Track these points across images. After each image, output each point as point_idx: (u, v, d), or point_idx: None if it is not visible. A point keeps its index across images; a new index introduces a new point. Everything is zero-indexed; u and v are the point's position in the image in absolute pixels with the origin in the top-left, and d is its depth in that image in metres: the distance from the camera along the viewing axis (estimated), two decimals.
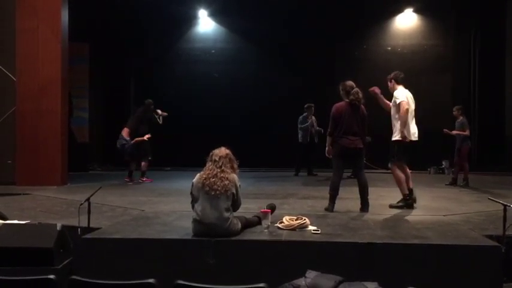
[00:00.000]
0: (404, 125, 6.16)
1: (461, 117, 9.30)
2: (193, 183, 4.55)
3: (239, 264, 4.22)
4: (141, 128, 9.41)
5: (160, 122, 9.75)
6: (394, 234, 4.68)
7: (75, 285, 2.74)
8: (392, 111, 6.34)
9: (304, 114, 11.10)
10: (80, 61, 12.04)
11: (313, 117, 11.05)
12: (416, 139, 6.37)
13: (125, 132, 9.35)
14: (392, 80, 6.46)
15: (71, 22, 9.38)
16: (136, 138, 9.24)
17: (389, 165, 6.39)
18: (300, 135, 11.11)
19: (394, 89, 6.41)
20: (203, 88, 13.15)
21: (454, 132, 9.29)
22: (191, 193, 4.56)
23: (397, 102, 6.22)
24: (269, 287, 2.59)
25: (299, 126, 11.13)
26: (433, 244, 4.32)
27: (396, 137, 6.28)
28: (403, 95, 6.24)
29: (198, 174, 4.56)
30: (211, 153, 4.60)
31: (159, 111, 9.79)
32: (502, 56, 12.71)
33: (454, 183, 9.33)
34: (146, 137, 9.23)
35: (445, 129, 9.41)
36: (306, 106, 11.07)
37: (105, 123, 13.53)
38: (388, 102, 6.44)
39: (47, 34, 8.95)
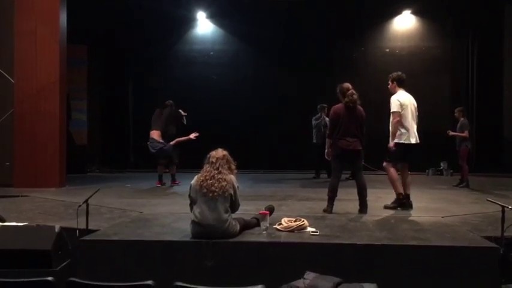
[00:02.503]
0: (394, 134, 6.21)
1: (462, 119, 9.32)
2: (191, 185, 4.56)
3: (238, 266, 4.22)
4: (170, 129, 9.31)
5: (185, 123, 9.61)
6: (392, 236, 4.68)
7: (74, 287, 2.74)
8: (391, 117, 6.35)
9: (318, 115, 11.00)
10: (78, 63, 12.04)
11: (326, 118, 10.90)
12: (417, 142, 6.36)
13: (155, 134, 9.05)
14: (394, 82, 6.43)
15: (69, 25, 9.38)
16: (179, 139, 9.02)
17: (384, 164, 6.39)
18: (314, 136, 10.97)
19: (394, 91, 6.41)
20: (201, 90, 13.15)
21: (451, 133, 9.30)
22: (189, 195, 4.57)
23: (390, 111, 6.25)
24: None
25: (314, 126, 10.99)
26: (432, 245, 4.33)
27: (396, 139, 6.28)
28: (396, 103, 6.22)
29: (196, 176, 4.57)
30: (208, 155, 4.61)
31: (182, 112, 9.64)
32: (499, 58, 12.73)
33: (460, 183, 9.36)
34: (193, 135, 8.91)
35: (448, 130, 9.40)
36: (318, 107, 10.90)
37: (103, 125, 13.52)
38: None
39: (45, 36, 8.94)
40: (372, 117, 6.49)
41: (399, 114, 6.19)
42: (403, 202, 6.27)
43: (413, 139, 6.30)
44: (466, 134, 9.15)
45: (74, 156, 10.78)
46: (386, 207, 6.36)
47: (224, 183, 4.40)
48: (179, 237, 4.55)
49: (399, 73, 6.48)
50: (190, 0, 13.07)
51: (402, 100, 6.27)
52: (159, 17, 12.80)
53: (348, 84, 6.20)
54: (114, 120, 13.48)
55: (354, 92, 6.07)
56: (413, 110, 6.39)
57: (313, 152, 10.90)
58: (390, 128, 6.33)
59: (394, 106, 6.25)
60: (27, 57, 8.93)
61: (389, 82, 6.49)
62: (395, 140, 6.25)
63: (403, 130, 6.24)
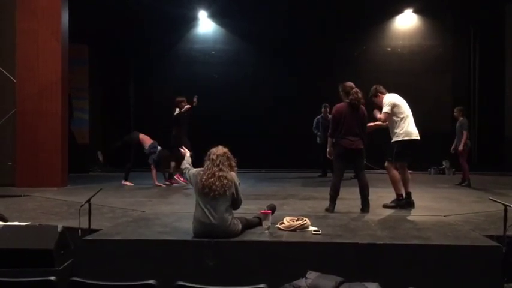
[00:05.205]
0: (375, 128, 6.31)
1: (461, 118, 9.28)
2: (194, 180, 4.54)
3: (239, 265, 4.22)
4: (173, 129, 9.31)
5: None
6: (394, 235, 4.68)
7: (76, 287, 2.74)
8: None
9: (322, 115, 10.98)
10: (79, 63, 12.06)
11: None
12: (418, 138, 6.36)
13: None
14: (378, 94, 6.49)
15: (70, 24, 9.39)
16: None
17: (385, 164, 6.41)
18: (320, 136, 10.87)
19: (383, 97, 6.45)
20: (203, 89, 13.11)
21: (461, 148, 9.08)
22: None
23: (383, 111, 6.28)
24: None
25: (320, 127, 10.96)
26: (434, 244, 4.32)
27: (395, 138, 6.30)
28: (388, 105, 6.26)
29: (198, 173, 4.55)
30: (208, 153, 4.60)
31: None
32: (501, 56, 12.72)
33: (462, 182, 9.34)
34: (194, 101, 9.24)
35: (461, 160, 9.29)
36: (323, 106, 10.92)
37: (105, 124, 13.54)
38: (379, 116, 6.43)
39: (47, 35, 8.95)
40: (372, 116, 6.49)
41: (386, 116, 6.24)
42: (402, 204, 6.28)
43: (414, 135, 6.31)
44: (465, 135, 9.09)
45: (76, 155, 10.79)
46: (385, 206, 6.37)
47: (225, 181, 4.39)
48: (181, 237, 4.55)
49: (375, 87, 6.56)
50: (191, 0, 13.08)
51: (394, 100, 6.32)
52: (160, 16, 12.81)
53: (351, 83, 6.19)
54: (115, 119, 13.49)
55: (358, 90, 6.07)
56: (408, 107, 6.41)
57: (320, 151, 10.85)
58: (391, 125, 6.36)
59: (385, 107, 6.30)
60: (29, 56, 8.94)
61: (373, 98, 6.54)
62: (395, 139, 6.28)
63: (400, 129, 6.25)
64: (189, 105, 9.22)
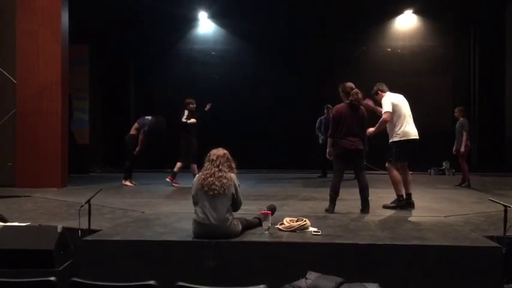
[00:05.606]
0: (378, 130, 6.30)
1: (461, 119, 9.27)
2: (193, 183, 4.56)
3: (240, 266, 4.22)
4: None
5: (184, 120, 9.27)
6: (394, 236, 4.68)
7: (76, 287, 2.75)
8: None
9: (324, 116, 11.03)
10: (80, 63, 12.05)
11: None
12: (416, 137, 6.36)
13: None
14: (379, 92, 6.51)
15: (71, 24, 9.38)
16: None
17: (386, 165, 6.41)
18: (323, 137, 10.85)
19: (383, 96, 6.46)
20: (203, 90, 13.15)
21: (463, 149, 9.07)
22: (192, 195, 4.56)
23: (384, 110, 6.28)
24: None
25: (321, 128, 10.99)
26: (434, 245, 4.32)
27: (393, 138, 6.30)
28: (388, 104, 6.27)
29: (197, 175, 4.58)
30: (208, 154, 4.63)
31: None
32: (501, 57, 12.71)
33: (462, 182, 9.33)
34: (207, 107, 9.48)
35: (460, 161, 9.31)
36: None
37: (105, 125, 13.54)
38: (380, 109, 6.45)
39: (47, 36, 8.95)
40: (373, 117, 6.49)
41: (389, 114, 6.24)
42: (402, 204, 6.29)
43: (412, 135, 6.31)
44: (465, 136, 9.09)
45: (76, 156, 10.78)
46: (385, 206, 6.37)
47: (225, 181, 4.40)
48: (181, 237, 4.55)
49: (377, 84, 6.58)
50: (191, 0, 13.09)
51: (393, 99, 6.34)
52: (160, 16, 12.81)
53: (351, 84, 6.20)
54: (115, 119, 13.49)
55: (358, 91, 6.07)
56: (408, 106, 6.42)
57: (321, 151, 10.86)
58: (388, 125, 6.37)
59: (385, 106, 6.30)
60: (29, 57, 8.94)
61: (375, 96, 6.56)
62: (393, 139, 6.28)
63: (398, 129, 6.26)
64: (194, 120, 9.26)
